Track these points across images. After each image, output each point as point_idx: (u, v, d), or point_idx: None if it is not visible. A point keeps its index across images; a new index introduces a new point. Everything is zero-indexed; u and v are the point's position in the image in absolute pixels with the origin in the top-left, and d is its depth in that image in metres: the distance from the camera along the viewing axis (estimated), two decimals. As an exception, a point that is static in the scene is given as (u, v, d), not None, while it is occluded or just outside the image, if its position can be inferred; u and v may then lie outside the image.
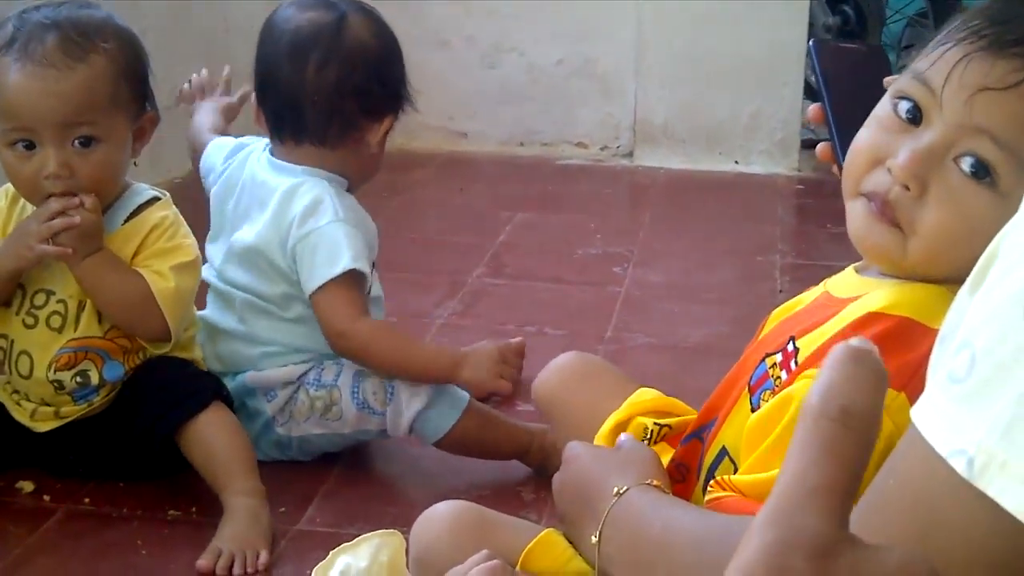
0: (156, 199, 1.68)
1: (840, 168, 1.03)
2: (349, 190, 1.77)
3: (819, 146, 1.08)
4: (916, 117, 0.95)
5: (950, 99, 0.92)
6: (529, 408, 1.83)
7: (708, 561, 0.86)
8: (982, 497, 0.46)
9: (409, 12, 3.16)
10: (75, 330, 1.63)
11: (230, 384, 1.71)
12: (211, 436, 1.59)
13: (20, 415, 1.68)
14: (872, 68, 1.09)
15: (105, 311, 1.62)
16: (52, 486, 1.67)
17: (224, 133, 1.93)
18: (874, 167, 0.97)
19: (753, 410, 1.01)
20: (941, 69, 0.92)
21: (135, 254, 1.64)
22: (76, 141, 1.56)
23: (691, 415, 1.20)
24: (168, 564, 1.51)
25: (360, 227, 1.72)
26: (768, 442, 0.94)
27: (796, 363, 0.99)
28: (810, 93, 3.37)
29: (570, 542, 1.07)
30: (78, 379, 1.64)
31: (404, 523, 1.18)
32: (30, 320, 1.63)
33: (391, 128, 1.78)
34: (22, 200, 1.65)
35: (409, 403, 1.70)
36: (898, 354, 0.88)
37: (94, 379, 1.64)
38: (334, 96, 1.71)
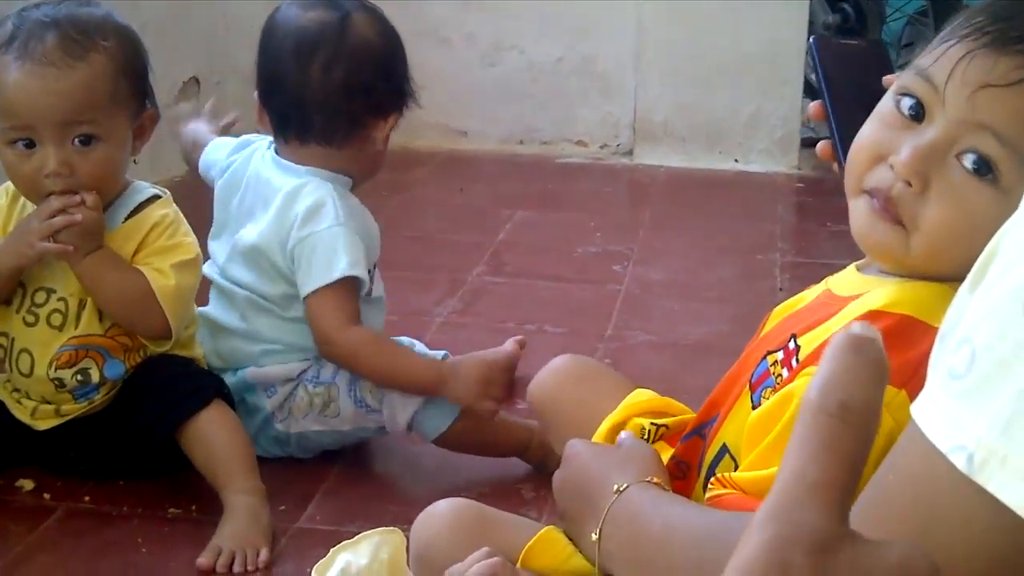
0: (156, 197, 1.68)
1: (840, 166, 1.03)
2: (352, 188, 1.77)
3: (819, 144, 1.08)
4: (919, 114, 0.95)
5: (953, 96, 0.92)
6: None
7: (708, 558, 0.86)
8: (982, 492, 0.46)
9: (409, 10, 3.15)
10: (76, 328, 1.63)
11: (230, 380, 1.71)
12: (212, 434, 1.59)
13: (20, 413, 1.67)
14: (873, 64, 1.09)
15: (106, 309, 1.62)
16: (52, 484, 1.67)
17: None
18: (877, 164, 0.97)
19: (754, 407, 1.01)
20: (944, 66, 0.92)
21: (136, 252, 1.63)
22: (76, 139, 1.55)
23: (688, 414, 1.20)
24: (168, 562, 1.51)
25: (361, 231, 1.72)
26: (769, 439, 0.94)
27: (797, 361, 0.99)
28: (810, 91, 3.37)
29: (570, 539, 1.06)
30: (79, 377, 1.64)
31: (404, 521, 1.18)
32: (31, 318, 1.63)
33: (396, 125, 1.78)
34: (22, 198, 1.65)
35: (406, 400, 1.70)
36: (899, 352, 0.88)
37: (95, 377, 1.64)
38: (341, 96, 1.70)
